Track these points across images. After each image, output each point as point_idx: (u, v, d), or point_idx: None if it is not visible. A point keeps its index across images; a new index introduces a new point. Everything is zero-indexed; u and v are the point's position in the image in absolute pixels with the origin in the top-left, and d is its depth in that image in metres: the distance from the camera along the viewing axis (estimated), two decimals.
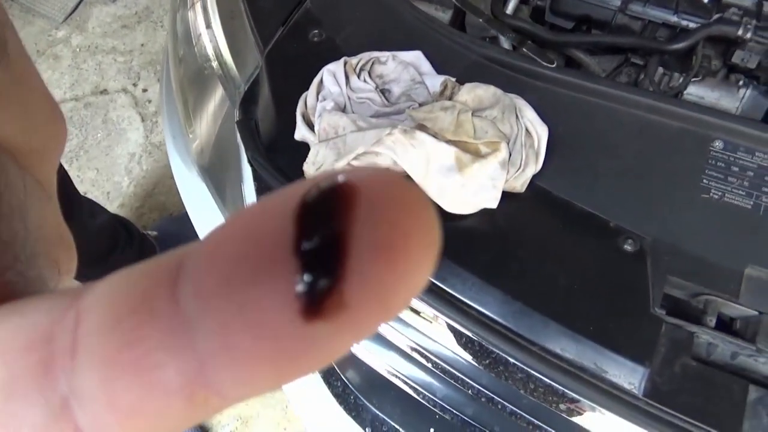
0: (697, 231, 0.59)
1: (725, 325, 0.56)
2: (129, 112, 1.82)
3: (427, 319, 0.62)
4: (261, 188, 0.72)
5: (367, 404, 0.70)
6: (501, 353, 0.58)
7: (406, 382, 0.67)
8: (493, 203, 0.61)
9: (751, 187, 0.61)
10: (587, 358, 0.54)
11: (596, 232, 0.61)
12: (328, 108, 0.68)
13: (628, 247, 0.59)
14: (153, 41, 1.96)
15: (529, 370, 0.57)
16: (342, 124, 0.65)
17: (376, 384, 0.70)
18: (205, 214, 0.86)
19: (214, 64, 0.83)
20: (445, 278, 0.59)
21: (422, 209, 0.10)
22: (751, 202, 0.60)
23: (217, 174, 0.84)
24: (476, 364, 0.60)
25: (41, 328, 0.11)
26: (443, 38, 0.74)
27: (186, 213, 0.90)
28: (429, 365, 0.64)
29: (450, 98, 0.68)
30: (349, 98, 0.69)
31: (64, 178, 1.10)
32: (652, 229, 0.60)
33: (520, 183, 0.62)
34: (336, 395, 0.71)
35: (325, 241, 0.09)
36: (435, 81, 0.69)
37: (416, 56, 0.72)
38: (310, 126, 0.69)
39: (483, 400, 0.61)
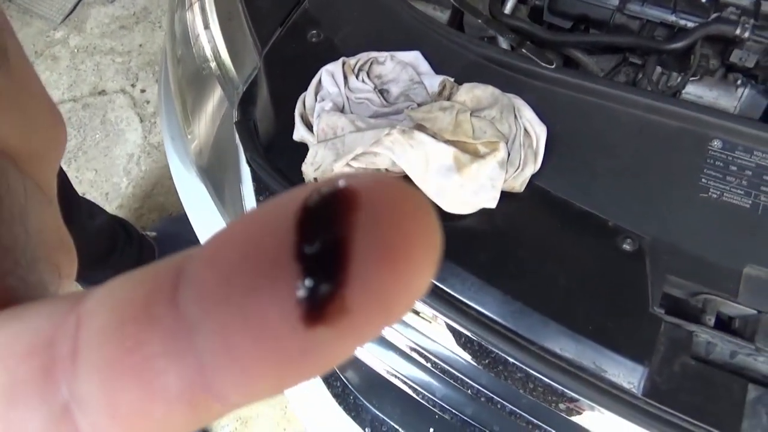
0: (695, 230, 0.59)
1: (724, 324, 0.56)
2: (127, 113, 1.82)
3: (426, 319, 0.62)
4: (260, 189, 0.72)
5: (367, 404, 0.70)
6: (500, 353, 0.58)
7: (405, 382, 0.67)
8: (492, 203, 0.61)
9: (750, 186, 0.61)
10: (586, 358, 0.54)
11: (595, 231, 0.61)
12: (327, 108, 0.68)
13: (626, 247, 0.59)
14: (151, 42, 1.95)
15: (528, 369, 0.57)
16: (341, 125, 0.65)
17: (376, 384, 0.70)
18: (203, 214, 0.86)
19: (213, 64, 0.82)
20: (444, 278, 0.59)
21: (423, 214, 0.10)
22: (750, 201, 0.60)
23: (215, 174, 0.84)
24: (476, 364, 0.60)
25: (42, 333, 0.11)
26: (441, 38, 0.74)
27: (185, 214, 0.90)
28: (428, 365, 0.64)
29: (448, 98, 0.68)
30: (347, 98, 0.69)
31: (62, 179, 1.10)
32: (651, 228, 0.60)
33: (518, 183, 0.63)
34: (335, 395, 0.71)
35: (327, 245, 0.09)
36: (433, 81, 0.69)
37: (415, 56, 0.72)
38: (309, 126, 0.69)
39: (482, 399, 0.61)
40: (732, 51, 0.76)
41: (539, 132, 0.64)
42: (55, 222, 0.16)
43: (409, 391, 0.67)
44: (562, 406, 0.56)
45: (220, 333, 0.10)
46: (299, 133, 0.68)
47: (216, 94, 0.82)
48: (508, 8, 0.83)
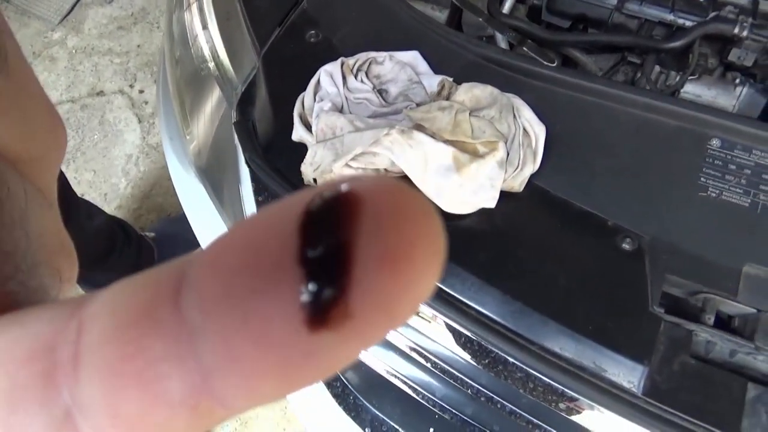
0: (695, 229, 0.59)
1: (724, 323, 0.57)
2: (126, 114, 1.81)
3: (426, 319, 0.62)
4: (259, 189, 0.72)
5: (367, 404, 0.70)
6: (500, 353, 0.58)
7: (405, 382, 0.67)
8: (491, 203, 0.61)
9: (749, 185, 0.61)
10: (586, 357, 0.54)
11: (594, 231, 0.61)
12: (326, 108, 0.68)
13: (626, 246, 0.59)
14: (149, 42, 1.95)
15: (528, 369, 0.57)
16: (339, 125, 0.65)
17: (376, 384, 0.70)
18: (202, 215, 0.86)
19: (211, 65, 0.82)
20: (444, 278, 0.59)
21: (426, 217, 0.10)
22: (749, 200, 0.60)
23: (214, 175, 0.84)
24: (475, 364, 0.60)
25: (43, 338, 0.11)
26: (440, 38, 0.74)
27: (183, 214, 0.90)
28: (428, 365, 0.64)
29: (447, 98, 0.68)
30: (346, 99, 0.69)
31: (61, 180, 1.10)
32: (650, 227, 0.60)
33: (518, 182, 0.62)
34: (335, 395, 0.71)
35: (330, 250, 0.09)
36: (432, 81, 0.69)
37: (413, 56, 0.72)
38: (308, 127, 0.68)
39: (482, 399, 0.61)
40: (730, 50, 0.76)
41: (538, 131, 0.64)
42: (56, 226, 0.16)
43: (409, 391, 0.67)
44: (562, 405, 0.56)
45: (222, 337, 0.09)
46: (298, 134, 0.68)
47: (214, 95, 0.82)
48: (506, 7, 0.83)
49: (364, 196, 0.10)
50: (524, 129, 0.65)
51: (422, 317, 0.62)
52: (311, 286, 0.09)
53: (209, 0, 0.85)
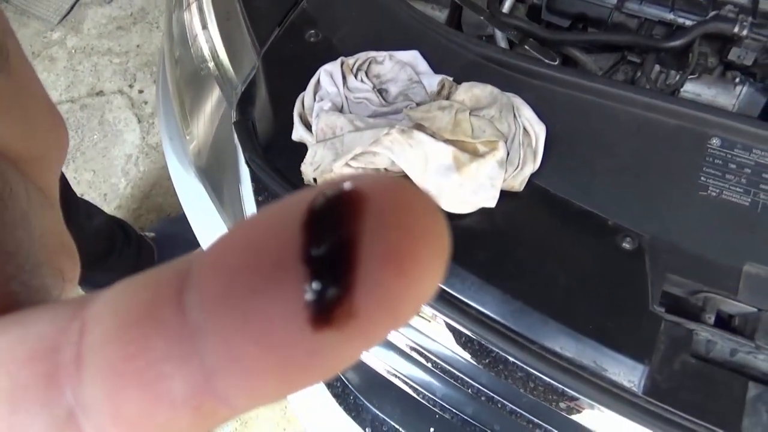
0: (695, 228, 0.59)
1: (724, 322, 0.56)
2: (125, 114, 1.81)
3: (426, 319, 0.62)
4: (258, 189, 0.72)
5: (367, 404, 0.70)
6: (500, 352, 0.58)
7: (405, 382, 0.67)
8: (491, 202, 0.61)
9: (749, 184, 0.61)
10: (587, 357, 0.54)
11: (595, 230, 0.61)
12: (326, 108, 0.67)
13: (626, 245, 0.59)
14: (149, 42, 1.95)
15: (528, 368, 0.57)
16: (339, 125, 0.65)
17: (376, 384, 0.69)
18: (202, 215, 0.86)
19: (211, 65, 0.82)
20: (444, 277, 0.59)
21: (431, 215, 0.10)
22: (749, 199, 0.60)
23: (214, 175, 0.84)
24: (476, 364, 0.60)
25: (45, 339, 0.11)
26: (440, 37, 0.74)
27: (183, 214, 0.90)
28: (429, 365, 0.64)
29: (447, 97, 0.68)
30: (346, 98, 0.69)
31: (60, 180, 1.10)
32: (651, 226, 0.60)
33: (518, 182, 0.62)
34: (336, 395, 0.71)
35: (334, 248, 0.09)
36: (432, 80, 0.69)
37: (413, 56, 0.72)
38: (308, 126, 0.68)
39: (483, 399, 0.61)
40: (730, 49, 0.76)
41: (538, 131, 0.64)
42: (58, 226, 0.16)
43: (410, 391, 0.67)
44: (562, 405, 0.56)
45: (225, 336, 0.09)
46: (298, 133, 0.68)
47: (214, 95, 0.82)
48: (506, 7, 0.83)
49: (368, 194, 0.10)
50: (524, 128, 0.64)
51: (422, 317, 0.62)
52: (315, 285, 0.09)
53: (209, 0, 0.85)
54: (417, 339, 0.64)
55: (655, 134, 0.65)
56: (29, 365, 0.11)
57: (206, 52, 0.83)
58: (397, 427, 0.68)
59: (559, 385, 0.56)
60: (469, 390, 0.62)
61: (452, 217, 0.62)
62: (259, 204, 0.72)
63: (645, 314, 0.55)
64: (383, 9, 0.77)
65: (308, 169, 0.65)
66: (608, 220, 0.61)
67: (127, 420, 0.10)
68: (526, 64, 0.70)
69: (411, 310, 0.10)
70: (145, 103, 1.83)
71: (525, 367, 0.57)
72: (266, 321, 0.09)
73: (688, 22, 0.77)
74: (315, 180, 0.65)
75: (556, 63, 0.70)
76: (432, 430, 0.66)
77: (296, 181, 0.66)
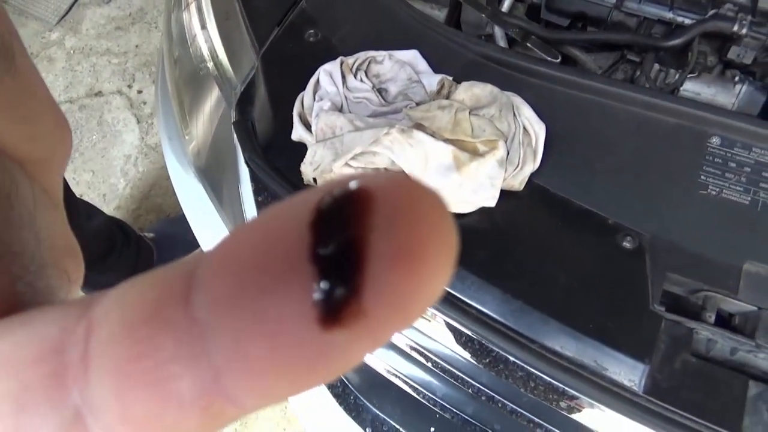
0: (695, 227, 0.59)
1: (724, 321, 0.57)
2: (124, 114, 1.81)
3: (426, 318, 0.62)
4: (258, 189, 0.72)
5: (367, 404, 0.70)
6: (501, 352, 0.58)
7: (406, 382, 0.67)
8: (491, 202, 0.61)
9: (749, 182, 0.61)
10: (587, 356, 0.54)
11: (595, 229, 0.61)
12: (325, 108, 0.67)
13: (626, 244, 0.59)
14: (147, 42, 1.95)
15: (529, 368, 0.57)
16: (339, 124, 0.65)
17: (376, 384, 0.69)
18: (202, 215, 0.86)
19: (210, 65, 0.82)
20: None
21: (439, 212, 0.10)
22: (749, 198, 0.60)
23: (213, 175, 0.84)
24: (476, 363, 0.60)
25: (52, 340, 0.11)
26: (439, 37, 0.74)
27: (183, 215, 0.90)
28: (429, 364, 0.64)
29: (447, 97, 0.68)
30: (345, 98, 0.69)
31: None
32: (651, 225, 0.60)
33: (518, 181, 0.62)
34: (336, 395, 0.71)
35: (342, 247, 0.09)
36: (432, 80, 0.69)
37: (413, 55, 0.72)
38: (307, 126, 0.68)
39: (483, 398, 0.61)
40: (729, 48, 0.76)
41: (538, 130, 0.64)
42: (63, 227, 0.16)
43: (410, 391, 0.67)
44: (563, 404, 0.56)
45: (233, 336, 0.09)
46: (298, 133, 0.68)
47: (213, 95, 0.82)
48: (505, 6, 0.83)
49: (375, 193, 0.09)
50: (524, 127, 0.64)
51: (422, 316, 0.62)
52: (323, 284, 0.09)
53: (208, 0, 0.85)
54: (417, 339, 0.64)
55: (655, 133, 0.65)
56: (36, 366, 0.11)
57: (205, 52, 0.83)
58: (398, 427, 0.68)
59: (560, 385, 0.56)
60: (470, 390, 0.62)
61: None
62: (258, 204, 0.71)
63: (645, 313, 0.55)
64: (383, 8, 0.77)
65: (308, 169, 0.65)
66: (608, 219, 0.61)
67: (135, 420, 0.10)
68: (526, 63, 0.70)
69: (420, 309, 0.10)
70: (144, 103, 1.83)
71: (525, 366, 0.57)
72: (274, 321, 0.09)
73: (688, 21, 0.77)
74: (315, 180, 0.65)
75: (558, 60, 0.70)
76: (432, 429, 0.66)
77: (296, 181, 0.66)
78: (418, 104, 0.67)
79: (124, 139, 1.77)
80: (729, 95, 0.78)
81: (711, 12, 0.75)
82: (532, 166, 0.63)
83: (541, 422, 0.59)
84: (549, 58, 0.70)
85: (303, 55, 0.75)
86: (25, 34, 1.98)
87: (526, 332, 0.56)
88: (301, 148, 0.67)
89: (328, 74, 0.70)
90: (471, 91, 0.67)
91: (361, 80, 0.70)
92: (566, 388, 0.56)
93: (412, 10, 0.77)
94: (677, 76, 0.76)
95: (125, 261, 1.31)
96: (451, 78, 0.70)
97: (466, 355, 0.60)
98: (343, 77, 0.70)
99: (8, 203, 0.14)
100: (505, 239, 0.61)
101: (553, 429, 0.58)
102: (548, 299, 0.57)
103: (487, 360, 0.59)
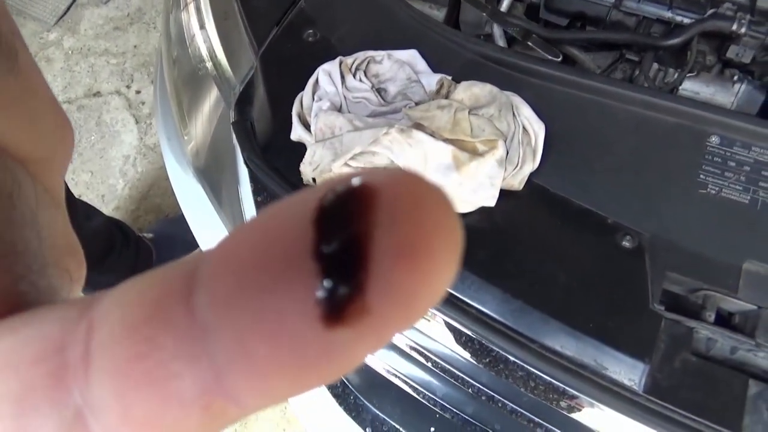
0: (695, 226, 0.59)
1: (724, 320, 0.56)
2: (123, 114, 1.81)
3: (426, 318, 0.62)
4: (257, 189, 0.72)
5: (367, 404, 0.70)
6: (501, 351, 0.58)
7: (406, 382, 0.67)
8: (491, 201, 0.61)
9: (748, 182, 0.61)
10: (587, 355, 0.54)
11: (594, 228, 0.61)
12: (324, 108, 0.67)
13: (626, 244, 0.59)
14: (146, 43, 1.95)
15: (529, 367, 0.57)
16: (338, 124, 0.65)
17: (376, 384, 0.69)
18: (201, 215, 0.85)
19: (209, 65, 0.82)
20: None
21: (443, 208, 0.10)
22: (749, 197, 0.60)
23: (212, 175, 0.84)
24: (476, 363, 0.60)
25: (52, 339, 0.11)
26: (438, 36, 0.74)
27: (182, 215, 0.90)
28: (429, 364, 0.64)
29: (446, 97, 0.68)
30: (345, 98, 0.69)
31: None
32: (650, 225, 0.60)
33: (517, 181, 0.62)
34: (336, 395, 0.71)
35: (345, 244, 0.09)
36: (431, 79, 0.69)
37: (412, 55, 0.72)
38: (307, 126, 0.68)
39: (483, 398, 0.61)
40: (728, 47, 0.76)
41: (537, 130, 0.64)
42: (65, 226, 0.16)
43: (410, 391, 0.67)
44: (563, 403, 0.56)
45: (235, 334, 0.09)
46: (297, 133, 0.68)
47: (212, 95, 0.82)
48: (504, 6, 0.83)
49: (378, 189, 0.09)
50: (523, 127, 0.64)
51: (423, 316, 0.62)
52: (326, 282, 0.09)
53: (206, 0, 0.84)
54: (417, 339, 0.64)
55: (654, 132, 0.65)
56: (36, 366, 0.10)
57: (204, 52, 0.83)
58: (398, 427, 0.68)
59: (560, 384, 0.56)
60: (470, 389, 0.62)
61: None
62: (258, 204, 0.71)
63: (645, 312, 0.55)
64: (382, 8, 0.77)
65: (307, 168, 0.65)
66: (608, 219, 0.61)
67: (136, 420, 0.10)
68: (525, 63, 0.70)
69: (424, 307, 0.10)
70: (143, 103, 1.83)
71: (525, 366, 0.57)
72: (277, 319, 0.09)
73: (686, 20, 0.77)
74: (314, 180, 0.65)
75: (559, 59, 0.70)
76: (432, 429, 0.66)
77: (295, 181, 0.66)
78: (417, 104, 0.67)
79: (122, 139, 1.77)
80: (728, 94, 0.78)
81: (710, 11, 0.75)
82: (531, 165, 0.63)
83: (542, 422, 0.59)
84: (550, 57, 0.70)
85: (302, 55, 0.75)
86: (24, 35, 1.95)
87: (526, 332, 0.56)
88: (301, 148, 0.67)
89: (327, 74, 0.70)
90: (470, 91, 0.67)
91: (360, 80, 0.70)
92: (566, 388, 0.56)
93: (411, 9, 0.77)
94: (676, 76, 0.77)
95: (124, 262, 1.31)
96: (450, 78, 0.70)
97: (466, 355, 0.60)
98: (342, 77, 0.70)
99: (10, 203, 0.14)
100: (504, 239, 0.61)
101: (554, 429, 0.58)
102: (548, 299, 0.57)
103: (487, 360, 0.59)
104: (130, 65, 1.90)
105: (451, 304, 0.58)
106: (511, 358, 0.58)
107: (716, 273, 0.56)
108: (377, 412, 0.69)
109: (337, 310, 0.09)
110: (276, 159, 0.68)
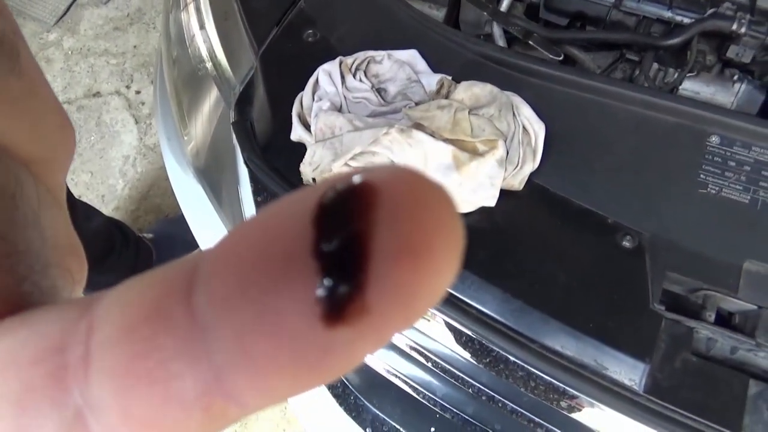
0: (695, 226, 0.59)
1: (724, 320, 0.56)
2: (122, 115, 1.81)
3: (426, 318, 0.62)
4: (257, 189, 0.71)
5: (367, 404, 0.70)
6: (501, 351, 0.58)
7: (406, 382, 0.67)
8: (491, 201, 0.61)
9: (748, 181, 0.61)
10: (587, 355, 0.54)
11: (594, 228, 0.61)
12: (324, 108, 0.67)
13: (626, 244, 0.59)
14: (145, 43, 1.95)
15: (529, 367, 0.57)
16: (338, 124, 0.65)
17: (376, 384, 0.69)
18: (201, 216, 0.85)
19: (209, 65, 0.82)
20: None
21: (444, 206, 0.10)
22: (749, 197, 0.60)
23: (212, 175, 0.84)
24: (476, 363, 0.60)
25: (53, 339, 0.11)
26: (438, 36, 0.74)
27: (182, 215, 0.90)
28: (429, 364, 0.64)
29: (446, 97, 0.68)
30: (345, 98, 0.69)
31: None
32: (650, 225, 0.60)
33: (517, 181, 0.62)
34: (336, 396, 0.71)
35: (345, 243, 0.09)
36: (431, 79, 0.69)
37: (412, 55, 0.72)
38: (307, 126, 0.68)
39: (483, 398, 0.61)
40: (728, 47, 0.76)
41: (538, 129, 0.64)
42: (66, 226, 0.16)
43: (410, 391, 0.67)
44: (563, 403, 0.56)
45: (235, 334, 0.09)
46: (297, 133, 0.68)
47: (212, 95, 0.82)
48: (504, 6, 0.83)
49: (379, 187, 0.09)
50: (524, 127, 0.64)
51: (423, 316, 0.62)
52: (327, 281, 0.09)
53: (206, 0, 0.84)
54: (417, 339, 0.64)
55: (654, 132, 0.65)
56: (36, 366, 0.10)
57: (204, 52, 0.83)
58: (398, 427, 0.68)
59: (560, 384, 0.56)
60: (470, 389, 0.62)
61: None
62: (258, 204, 0.71)
63: (645, 312, 0.55)
64: (381, 8, 0.77)
65: (307, 169, 0.65)
66: (608, 219, 0.61)
67: (136, 420, 0.10)
68: (525, 63, 0.70)
69: (425, 306, 0.09)
70: (143, 103, 1.83)
71: (525, 366, 0.57)
72: (278, 318, 0.09)
73: (686, 20, 0.77)
74: (314, 180, 0.65)
75: (560, 59, 0.70)
76: (432, 429, 0.66)
77: (295, 182, 0.66)
78: (417, 104, 0.67)
79: (122, 139, 1.77)
80: (728, 94, 0.78)
81: (710, 11, 0.75)
82: (531, 165, 0.63)
83: (542, 422, 0.59)
84: (552, 56, 0.70)
85: (302, 55, 0.75)
86: (23, 35, 1.98)
87: (526, 332, 0.56)
88: (301, 149, 0.67)
89: (327, 74, 0.70)
90: (470, 91, 0.67)
91: (360, 80, 0.70)
92: (566, 388, 0.56)
93: (410, 9, 0.77)
94: (676, 75, 0.77)
95: (124, 262, 1.31)
96: (450, 77, 0.70)
97: (466, 355, 0.60)
98: (342, 77, 0.70)
99: (13, 203, 0.14)
100: (504, 239, 0.61)
101: (554, 429, 0.58)
102: (548, 299, 0.57)
103: (487, 360, 0.59)
104: (130, 65, 1.90)
105: (451, 304, 0.58)
106: (512, 358, 0.58)
107: (716, 273, 0.56)
108: (377, 412, 0.69)
109: (337, 309, 0.09)
110: (276, 159, 0.68)
